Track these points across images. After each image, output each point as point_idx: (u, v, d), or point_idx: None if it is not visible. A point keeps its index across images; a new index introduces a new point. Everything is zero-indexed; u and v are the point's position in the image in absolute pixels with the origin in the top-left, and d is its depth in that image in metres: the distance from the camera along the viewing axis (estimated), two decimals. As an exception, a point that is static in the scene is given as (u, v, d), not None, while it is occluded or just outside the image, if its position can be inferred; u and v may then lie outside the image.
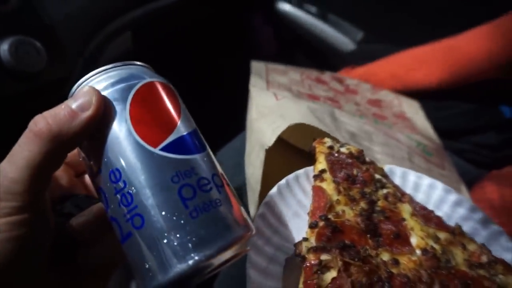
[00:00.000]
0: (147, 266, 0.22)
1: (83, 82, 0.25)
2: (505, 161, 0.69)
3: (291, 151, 0.48)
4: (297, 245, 0.26)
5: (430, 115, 0.73)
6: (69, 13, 0.53)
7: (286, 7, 0.91)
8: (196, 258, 0.21)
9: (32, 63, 0.47)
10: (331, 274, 0.24)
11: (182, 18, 0.77)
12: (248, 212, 0.26)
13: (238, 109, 0.60)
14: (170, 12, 0.71)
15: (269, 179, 0.50)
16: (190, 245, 0.22)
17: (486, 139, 0.76)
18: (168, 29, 0.76)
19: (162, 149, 0.23)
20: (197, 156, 0.25)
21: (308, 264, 0.25)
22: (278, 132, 0.44)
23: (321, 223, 0.27)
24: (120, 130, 0.23)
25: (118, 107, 0.24)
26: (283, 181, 0.33)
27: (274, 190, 0.31)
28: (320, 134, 0.43)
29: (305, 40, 0.91)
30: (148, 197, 0.22)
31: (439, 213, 0.32)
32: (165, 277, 0.21)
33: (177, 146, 0.24)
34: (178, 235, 0.22)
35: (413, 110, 0.73)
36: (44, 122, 0.22)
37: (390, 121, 0.67)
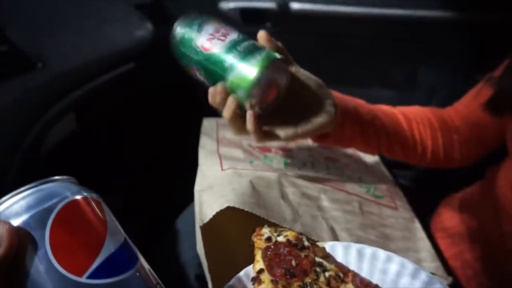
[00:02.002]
0: None
1: None
2: (460, 183, 0.72)
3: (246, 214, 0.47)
4: None
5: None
6: (0, 109, 0.52)
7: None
8: None
9: (-39, 170, 0.45)
10: None
11: (126, 88, 0.78)
12: None
13: (195, 171, 0.59)
14: (113, 86, 0.71)
15: (225, 246, 0.49)
16: None
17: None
18: (113, 101, 0.77)
19: (88, 277, 0.22)
20: (129, 274, 0.23)
21: None
22: (222, 207, 0.44)
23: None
24: (41, 263, 0.22)
25: (36, 236, 0.22)
26: None
27: None
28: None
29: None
30: None
31: (386, 281, 0.32)
32: None
33: (105, 269, 0.23)
34: None
35: (364, 147, 0.76)
36: None
37: (342, 163, 0.68)
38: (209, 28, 0.44)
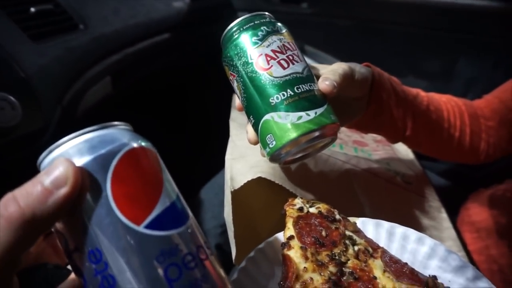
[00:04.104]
0: None
1: (55, 149, 0.23)
2: (490, 179, 0.70)
3: (276, 186, 0.48)
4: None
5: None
6: (44, 65, 0.53)
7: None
8: None
9: (7, 119, 0.47)
10: None
11: (160, 58, 0.78)
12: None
13: (221, 143, 0.60)
14: (148, 54, 0.72)
15: (253, 214, 0.50)
16: None
17: (468, 158, 0.77)
18: (147, 70, 0.77)
19: (146, 227, 0.21)
20: (182, 229, 0.23)
21: None
22: (255, 176, 0.44)
23: (287, 297, 0.26)
24: (101, 206, 0.21)
25: (97, 179, 0.22)
26: (252, 253, 0.32)
27: (243, 264, 0.31)
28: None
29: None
30: (131, 280, 0.21)
31: (415, 262, 0.32)
32: None
33: (161, 221, 0.22)
34: None
35: (394, 135, 0.74)
36: (15, 205, 0.20)
37: (370, 148, 0.67)
38: (275, 42, 0.35)
